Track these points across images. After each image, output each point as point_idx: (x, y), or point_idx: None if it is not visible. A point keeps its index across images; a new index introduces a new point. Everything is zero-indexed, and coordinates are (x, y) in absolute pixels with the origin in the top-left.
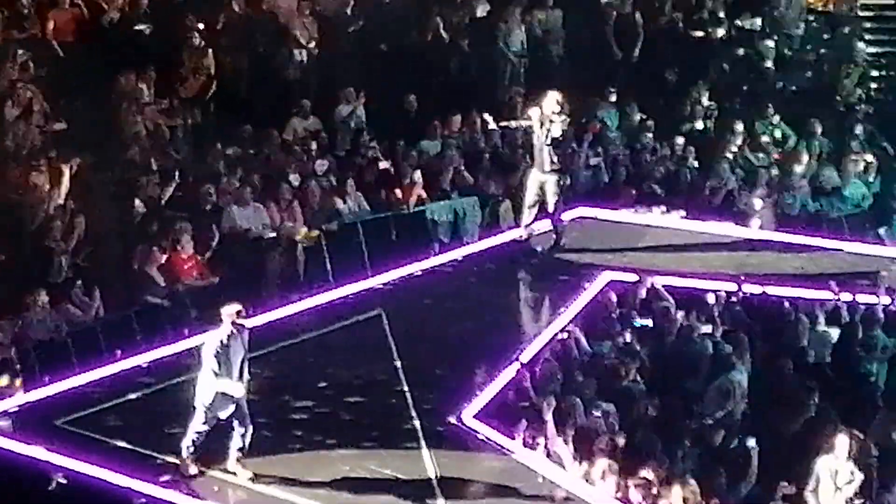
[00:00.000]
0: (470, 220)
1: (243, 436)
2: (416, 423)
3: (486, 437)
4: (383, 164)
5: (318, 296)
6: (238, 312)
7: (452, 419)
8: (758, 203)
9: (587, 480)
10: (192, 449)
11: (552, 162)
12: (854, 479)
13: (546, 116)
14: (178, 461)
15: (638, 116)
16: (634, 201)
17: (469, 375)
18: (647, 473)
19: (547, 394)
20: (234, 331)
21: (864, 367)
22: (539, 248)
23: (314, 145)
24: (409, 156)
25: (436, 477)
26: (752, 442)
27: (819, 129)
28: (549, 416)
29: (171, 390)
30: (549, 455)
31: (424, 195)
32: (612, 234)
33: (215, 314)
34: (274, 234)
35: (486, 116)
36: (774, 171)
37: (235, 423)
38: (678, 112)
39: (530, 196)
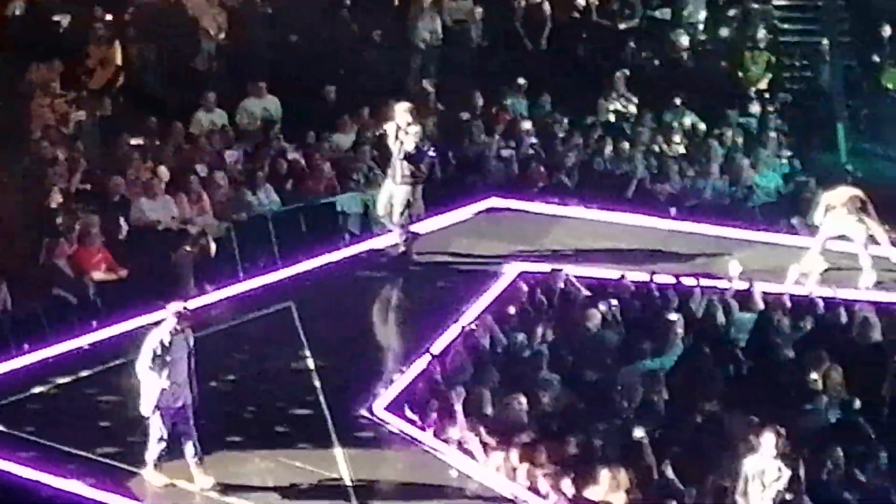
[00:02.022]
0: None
1: (192, 442)
2: (327, 414)
3: (398, 429)
4: (292, 156)
5: (228, 288)
6: (183, 309)
7: (363, 411)
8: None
9: (499, 471)
10: (157, 458)
11: (404, 175)
12: (782, 475)
13: (401, 129)
14: (144, 472)
15: (549, 106)
16: (546, 191)
17: (380, 367)
18: (556, 462)
19: (457, 385)
20: (177, 328)
21: (781, 353)
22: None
23: (223, 137)
24: (320, 148)
25: (347, 469)
26: (639, 433)
27: (733, 119)
28: (458, 407)
29: (79, 384)
30: (460, 446)
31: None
32: (523, 225)
33: (124, 306)
34: (184, 227)
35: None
36: (685, 161)
37: (181, 430)
38: (590, 102)
39: (381, 208)
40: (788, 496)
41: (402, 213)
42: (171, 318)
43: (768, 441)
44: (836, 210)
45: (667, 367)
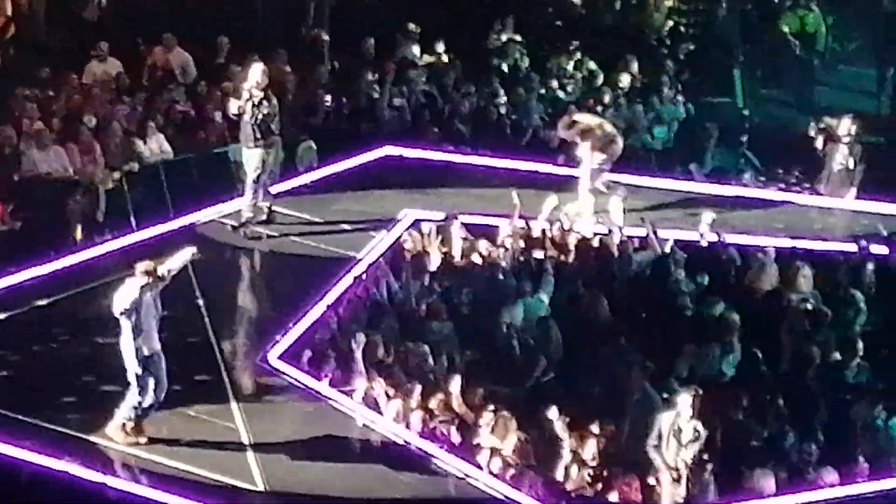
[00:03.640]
0: (273, 162)
1: (154, 399)
2: (221, 363)
3: (293, 378)
4: (181, 107)
5: (121, 238)
6: (153, 268)
7: (258, 360)
8: None
9: (396, 419)
10: (132, 417)
11: (256, 139)
12: (699, 436)
13: (253, 91)
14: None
15: (444, 54)
16: (440, 140)
17: (274, 317)
18: (451, 409)
19: (354, 333)
20: (143, 286)
21: (677, 298)
22: (252, 220)
23: (116, 87)
24: (212, 98)
25: (242, 417)
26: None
27: (632, 66)
28: (358, 355)
29: None
30: (358, 395)
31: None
32: (417, 174)
33: (15, 258)
34: (75, 177)
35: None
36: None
37: (151, 385)
38: (485, 49)
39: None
40: (705, 456)
41: (255, 179)
42: (140, 278)
43: (684, 401)
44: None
45: (544, 304)
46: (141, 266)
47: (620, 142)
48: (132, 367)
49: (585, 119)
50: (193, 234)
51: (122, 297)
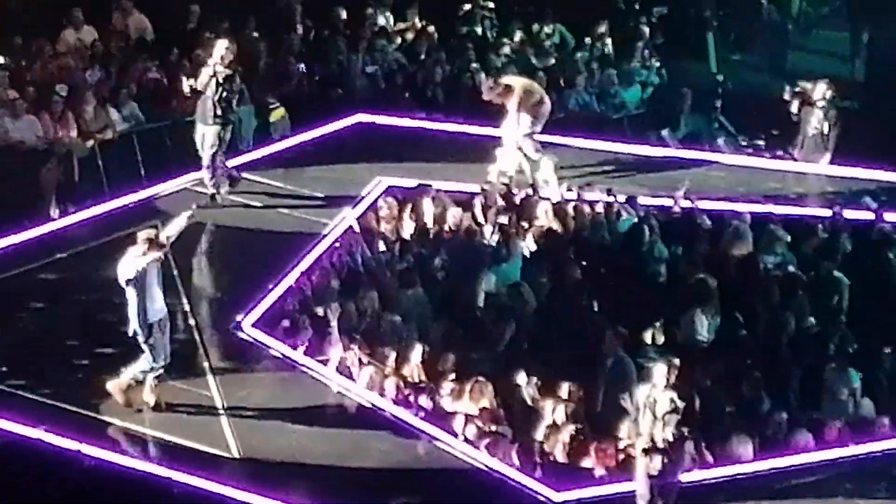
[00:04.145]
0: (245, 129)
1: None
2: (195, 331)
3: (266, 346)
4: (153, 75)
5: (94, 207)
6: (154, 236)
7: (232, 328)
8: None
9: (369, 387)
10: (139, 380)
11: (216, 116)
12: (676, 408)
13: (217, 68)
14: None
15: (417, 21)
16: (414, 107)
17: (248, 284)
18: (424, 376)
19: (329, 302)
20: (146, 252)
21: (652, 265)
22: (215, 192)
23: (87, 55)
24: (183, 66)
25: (216, 386)
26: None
27: (604, 31)
28: (334, 323)
29: None
30: (337, 363)
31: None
32: (391, 141)
33: None
34: (49, 146)
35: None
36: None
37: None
38: (456, 14)
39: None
40: (684, 429)
41: (211, 155)
42: (142, 245)
43: (659, 372)
44: None
45: (516, 269)
46: (143, 234)
47: (548, 102)
48: (141, 334)
49: (511, 80)
50: (165, 202)
51: (127, 266)
